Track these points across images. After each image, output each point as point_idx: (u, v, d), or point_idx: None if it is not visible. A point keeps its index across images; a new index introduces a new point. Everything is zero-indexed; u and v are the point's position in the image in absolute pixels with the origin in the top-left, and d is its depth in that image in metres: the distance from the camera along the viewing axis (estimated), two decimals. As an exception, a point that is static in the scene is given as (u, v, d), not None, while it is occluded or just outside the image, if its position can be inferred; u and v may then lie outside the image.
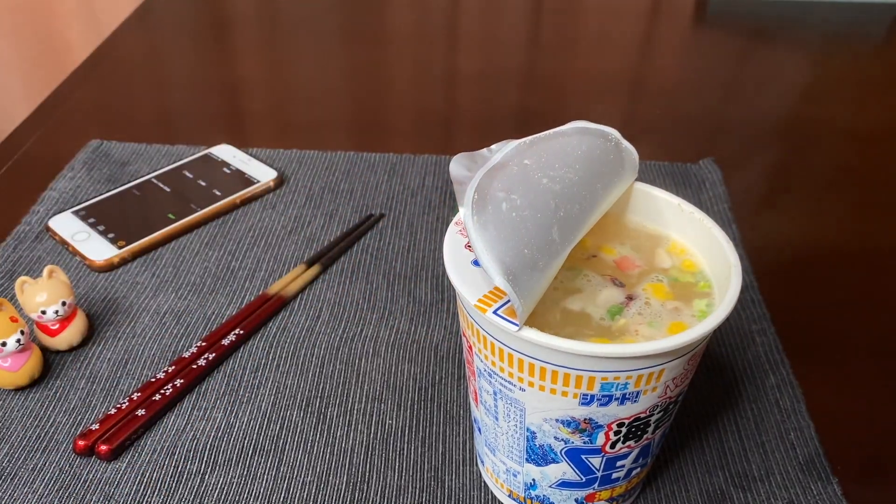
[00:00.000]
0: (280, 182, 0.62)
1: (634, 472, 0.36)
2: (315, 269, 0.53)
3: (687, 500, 0.40)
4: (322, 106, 0.75)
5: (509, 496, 0.38)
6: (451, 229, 0.34)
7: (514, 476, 0.37)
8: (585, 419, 0.32)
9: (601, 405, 0.31)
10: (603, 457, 0.34)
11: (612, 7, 0.97)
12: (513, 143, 0.33)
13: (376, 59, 0.85)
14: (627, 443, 0.34)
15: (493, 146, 0.33)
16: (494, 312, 0.30)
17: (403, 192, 0.61)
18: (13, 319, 0.43)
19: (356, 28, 0.91)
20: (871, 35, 0.92)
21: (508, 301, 0.30)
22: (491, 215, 0.30)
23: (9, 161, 0.65)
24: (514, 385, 0.32)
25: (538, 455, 0.34)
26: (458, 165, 0.32)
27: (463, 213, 0.30)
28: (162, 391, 0.44)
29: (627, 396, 0.31)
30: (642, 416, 0.32)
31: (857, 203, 0.63)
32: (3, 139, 0.68)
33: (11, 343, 0.43)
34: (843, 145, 0.70)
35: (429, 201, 0.61)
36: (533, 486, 0.36)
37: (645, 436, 0.34)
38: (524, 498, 0.37)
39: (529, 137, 0.34)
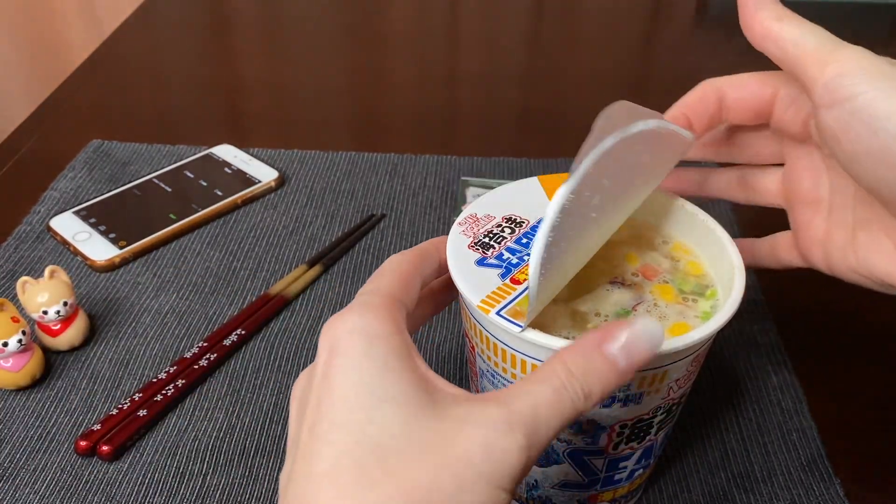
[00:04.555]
0: (281, 182, 0.62)
1: (637, 474, 0.36)
2: (316, 270, 0.53)
3: (689, 500, 0.40)
4: (323, 106, 0.75)
5: (511, 497, 0.38)
6: (454, 229, 0.34)
7: (517, 477, 0.37)
8: (588, 420, 0.32)
9: (604, 406, 0.31)
10: (605, 458, 0.34)
11: (612, 7, 0.97)
12: (614, 136, 0.29)
13: (377, 59, 0.85)
14: (630, 444, 0.34)
15: (609, 114, 0.29)
16: (497, 313, 0.30)
17: (404, 192, 0.61)
18: (14, 320, 0.43)
19: (357, 28, 0.91)
20: (871, 35, 0.92)
21: (511, 301, 0.30)
22: (569, 219, 0.28)
23: (9, 161, 0.65)
24: (517, 386, 0.32)
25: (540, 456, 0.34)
26: (607, 119, 0.29)
27: (565, 188, 0.27)
28: (163, 391, 0.44)
29: (630, 398, 0.31)
30: (645, 417, 0.32)
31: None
32: (4, 139, 0.68)
33: (13, 343, 0.43)
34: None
35: (430, 201, 0.61)
36: (535, 486, 0.36)
37: (648, 437, 0.34)
38: (526, 498, 0.37)
39: (615, 141, 0.29)
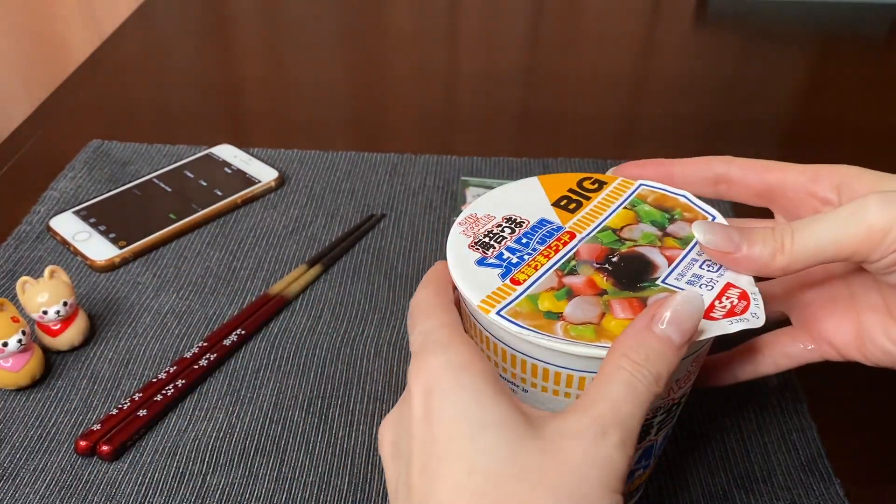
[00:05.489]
0: (281, 182, 0.62)
1: (637, 474, 0.36)
2: (316, 270, 0.53)
3: (689, 500, 0.40)
4: (323, 106, 0.75)
5: (511, 497, 0.38)
6: (454, 229, 0.34)
7: (517, 477, 0.37)
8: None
9: (604, 406, 0.31)
10: (606, 458, 0.34)
11: (612, 7, 0.97)
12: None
13: (377, 58, 0.85)
14: (630, 444, 0.33)
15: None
16: (497, 313, 0.30)
17: (404, 192, 0.61)
18: (14, 320, 0.43)
19: (357, 28, 0.91)
20: (871, 35, 0.92)
21: (511, 302, 0.30)
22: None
23: (9, 161, 0.65)
24: (517, 386, 0.32)
25: (541, 456, 0.34)
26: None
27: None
28: (163, 391, 0.44)
29: (630, 397, 0.31)
30: (645, 417, 0.32)
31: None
32: (4, 139, 0.68)
33: (13, 343, 0.43)
34: (844, 146, 0.70)
35: (430, 201, 0.61)
36: (535, 486, 0.36)
37: (648, 438, 0.34)
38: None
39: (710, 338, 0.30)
